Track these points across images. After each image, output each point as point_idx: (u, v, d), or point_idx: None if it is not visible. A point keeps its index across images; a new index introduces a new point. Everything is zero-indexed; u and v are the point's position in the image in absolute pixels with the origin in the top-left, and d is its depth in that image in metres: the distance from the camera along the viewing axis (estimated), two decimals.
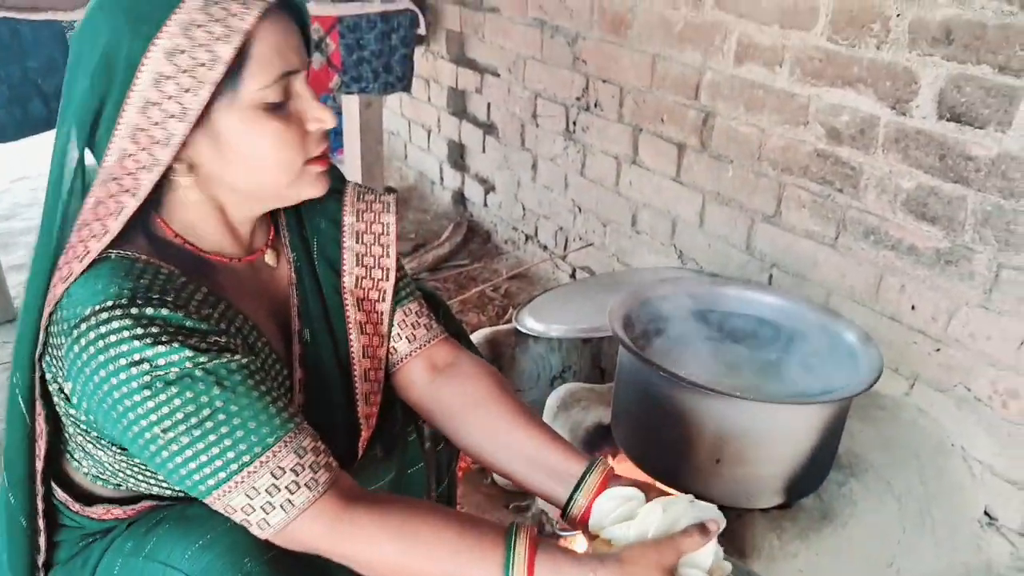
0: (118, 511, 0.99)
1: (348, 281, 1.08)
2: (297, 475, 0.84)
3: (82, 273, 0.84)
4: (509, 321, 2.30)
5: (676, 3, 2.09)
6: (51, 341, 0.86)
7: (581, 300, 2.07)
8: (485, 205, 3.28)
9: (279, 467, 0.83)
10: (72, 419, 0.90)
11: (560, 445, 1.05)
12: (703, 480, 1.36)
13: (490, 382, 1.12)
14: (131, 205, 0.85)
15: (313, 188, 0.96)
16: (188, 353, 0.81)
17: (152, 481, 0.94)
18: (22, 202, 3.78)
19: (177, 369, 0.81)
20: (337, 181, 1.08)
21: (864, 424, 1.62)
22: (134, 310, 0.81)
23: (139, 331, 0.80)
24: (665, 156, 2.25)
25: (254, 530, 0.84)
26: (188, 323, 0.83)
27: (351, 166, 3.32)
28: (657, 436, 1.40)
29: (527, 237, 3.05)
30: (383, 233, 1.10)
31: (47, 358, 0.88)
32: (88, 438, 0.91)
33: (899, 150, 1.63)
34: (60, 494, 0.99)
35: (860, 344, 1.41)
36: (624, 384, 1.50)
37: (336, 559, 0.87)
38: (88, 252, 0.84)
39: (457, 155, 3.40)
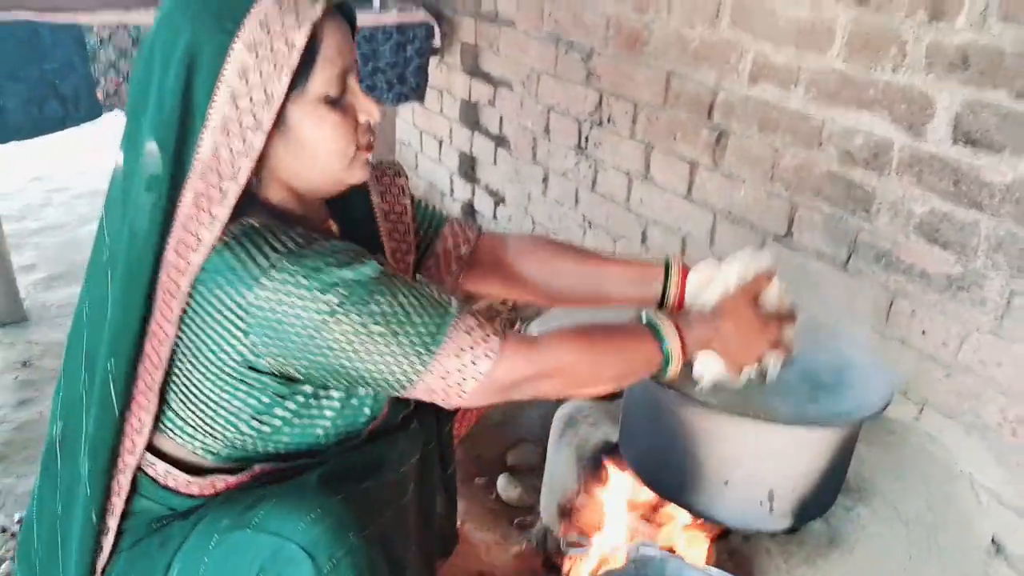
0: (229, 480, 1.04)
1: (388, 251, 1.22)
2: (483, 328, 0.99)
3: (208, 257, 0.91)
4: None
5: (692, 21, 2.09)
6: (204, 311, 0.92)
7: (590, 315, 2.06)
8: (495, 218, 3.28)
9: (468, 326, 0.98)
10: (215, 375, 0.96)
11: (632, 263, 1.34)
12: (711, 501, 1.35)
13: (546, 243, 1.38)
14: (234, 190, 0.92)
15: (362, 173, 1.05)
16: (371, 265, 0.94)
17: (279, 437, 1.03)
18: (35, 203, 3.80)
19: (367, 279, 0.93)
20: None
21: (873, 448, 1.61)
22: (310, 250, 0.92)
23: (324, 262, 0.91)
24: (677, 173, 2.25)
25: (467, 386, 0.97)
26: (354, 248, 0.96)
27: None
28: (666, 455, 1.40)
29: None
30: (403, 213, 1.26)
31: (188, 331, 0.94)
32: (227, 391, 0.97)
33: (913, 174, 1.63)
34: (160, 467, 1.03)
35: (871, 368, 1.40)
36: (633, 402, 1.50)
37: (538, 384, 1.03)
38: (201, 242, 0.91)
39: (468, 167, 3.41)
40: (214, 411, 0.99)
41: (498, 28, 2.99)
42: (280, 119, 0.94)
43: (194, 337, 0.94)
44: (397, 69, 3.09)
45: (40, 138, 2.60)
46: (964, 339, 1.60)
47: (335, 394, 1.03)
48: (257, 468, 1.05)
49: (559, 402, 1.80)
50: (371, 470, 1.06)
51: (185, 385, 0.98)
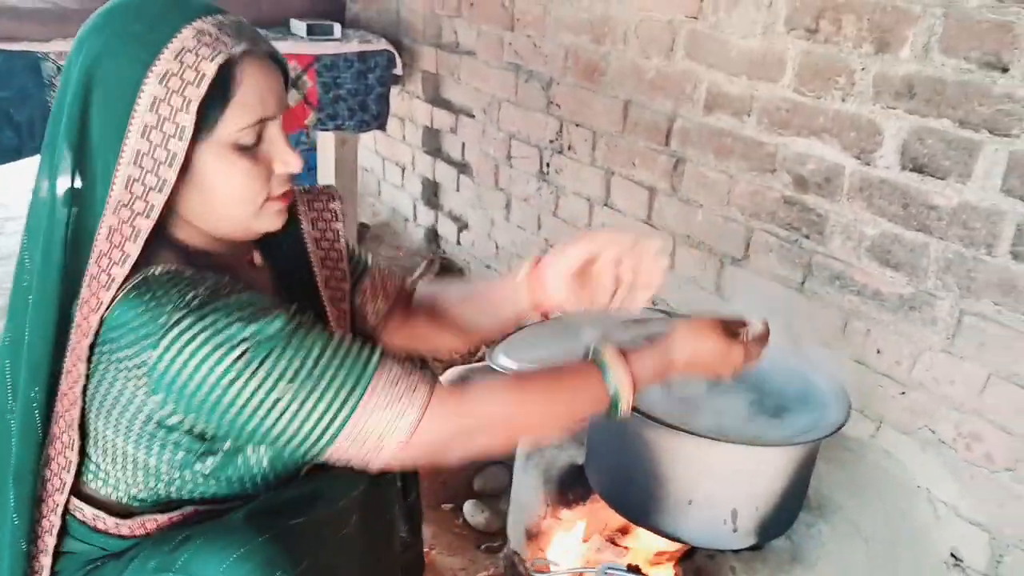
0: (160, 519, 1.00)
1: (320, 280, 1.17)
2: (409, 377, 0.92)
3: (115, 299, 0.88)
4: (482, 359, 2.31)
5: (648, 52, 2.15)
6: (110, 366, 0.89)
7: (553, 339, 2.08)
8: (459, 243, 3.30)
9: (393, 377, 0.91)
10: (125, 431, 0.92)
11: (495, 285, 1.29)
12: (675, 521, 1.37)
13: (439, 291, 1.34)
14: (146, 226, 0.89)
15: (272, 223, 1.01)
16: (282, 319, 0.88)
17: (205, 488, 0.99)
18: None
19: (276, 333, 0.87)
20: None
21: (832, 466, 1.64)
22: (219, 303, 0.87)
23: (232, 318, 0.86)
24: (636, 199, 2.30)
25: (388, 451, 0.91)
26: (264, 301, 0.91)
27: None
28: (630, 476, 1.41)
29: (500, 275, 3.07)
30: (336, 239, 1.21)
31: (97, 384, 0.90)
32: (143, 448, 0.93)
33: (864, 198, 1.68)
34: (88, 511, 1.00)
35: (827, 387, 1.44)
36: (597, 424, 1.51)
37: (470, 440, 0.96)
38: (112, 279, 0.88)
39: (431, 193, 3.42)
40: (132, 464, 0.95)
41: (459, 57, 3.02)
42: (187, 160, 0.90)
43: (102, 391, 0.91)
44: (359, 97, 3.11)
45: None
46: (917, 358, 1.65)
47: (262, 447, 0.98)
48: (190, 509, 1.01)
49: None
50: (304, 505, 1.00)
51: (101, 437, 0.95)
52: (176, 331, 0.84)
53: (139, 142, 0.87)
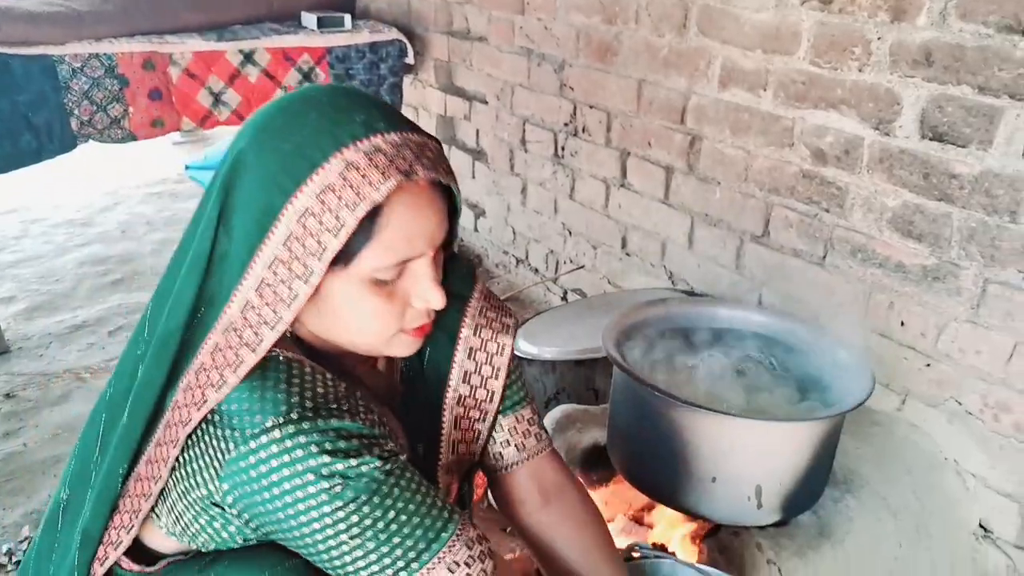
0: (183, 559, 0.97)
1: (451, 397, 1.05)
2: (469, 567, 0.86)
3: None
4: None
5: (660, 30, 2.13)
6: (205, 441, 0.85)
7: (574, 322, 2.08)
8: (476, 230, 3.30)
9: (454, 561, 0.85)
10: (185, 505, 0.89)
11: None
12: (699, 499, 1.36)
13: (589, 514, 1.15)
14: (250, 360, 0.84)
15: (401, 351, 0.94)
16: (376, 463, 0.82)
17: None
18: (9, 234, 3.77)
19: (367, 479, 0.81)
20: (465, 287, 1.06)
21: (858, 440, 1.63)
22: (320, 423, 0.81)
23: (328, 445, 0.80)
24: (653, 179, 2.28)
25: None
26: (365, 431, 0.84)
27: None
28: (653, 456, 1.41)
29: (518, 261, 3.07)
30: (497, 353, 1.07)
31: (187, 456, 0.87)
32: (191, 513, 0.90)
33: (884, 169, 1.66)
34: (125, 564, 0.97)
35: (851, 360, 1.43)
36: (619, 405, 1.51)
37: None
38: (206, 401, 0.84)
39: None
40: (188, 525, 0.92)
41: (470, 44, 3.01)
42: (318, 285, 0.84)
43: (185, 466, 0.88)
44: (371, 88, 3.11)
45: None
46: (942, 329, 1.63)
47: None
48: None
49: (546, 408, 1.80)
50: None
51: (168, 495, 0.92)
52: (266, 438, 0.80)
53: (264, 272, 0.82)
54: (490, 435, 1.10)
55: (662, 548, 1.37)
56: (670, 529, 1.52)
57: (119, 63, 2.65)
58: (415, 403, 1.05)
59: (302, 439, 0.80)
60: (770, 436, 1.32)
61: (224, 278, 0.84)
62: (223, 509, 0.87)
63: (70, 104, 2.60)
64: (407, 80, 3.31)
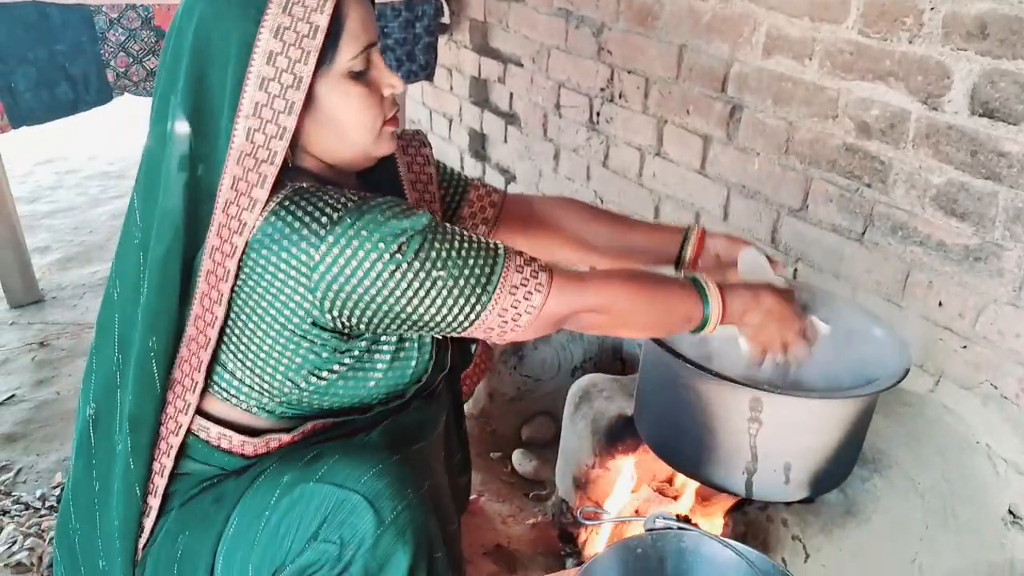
0: (283, 438, 1.07)
1: None
2: (531, 264, 1.03)
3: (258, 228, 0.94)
4: None
5: None
6: (265, 274, 0.95)
7: None
8: None
9: (518, 264, 1.02)
10: (276, 334, 0.99)
11: (657, 226, 1.50)
12: (726, 473, 1.36)
13: (582, 205, 1.47)
14: (271, 172, 0.95)
15: (389, 145, 1.08)
16: (427, 215, 0.98)
17: (334, 391, 1.06)
18: (45, 185, 3.82)
19: (427, 224, 0.96)
20: None
21: (889, 420, 1.61)
22: (367, 204, 0.95)
23: (387, 214, 0.94)
24: (690, 148, 2.24)
25: (521, 324, 1.02)
26: (403, 201, 0.98)
27: None
28: (681, 428, 1.40)
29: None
30: (429, 182, 1.30)
31: (247, 297, 0.97)
32: (289, 350, 1.00)
33: (930, 145, 1.61)
34: (214, 430, 1.05)
35: (887, 339, 1.40)
36: (649, 375, 1.50)
37: (584, 318, 1.08)
38: (244, 224, 0.94)
39: (478, 145, 3.40)
40: (273, 368, 1.01)
41: (507, 4, 2.97)
42: (309, 97, 0.96)
43: (253, 302, 0.97)
44: (406, 47, 3.08)
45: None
46: (981, 310, 1.59)
47: (386, 349, 1.07)
48: (309, 426, 1.08)
49: (572, 376, 1.80)
50: (419, 431, 1.12)
51: (244, 347, 1.01)
52: (339, 229, 0.92)
53: (257, 94, 0.93)
54: (456, 212, 1.37)
55: (686, 520, 1.37)
56: (695, 502, 1.52)
57: (156, 15, 2.64)
58: None
59: (365, 216, 0.93)
60: (802, 412, 1.31)
61: (219, 122, 0.94)
62: (320, 328, 0.98)
63: (107, 56, 2.60)
64: (441, 40, 3.28)
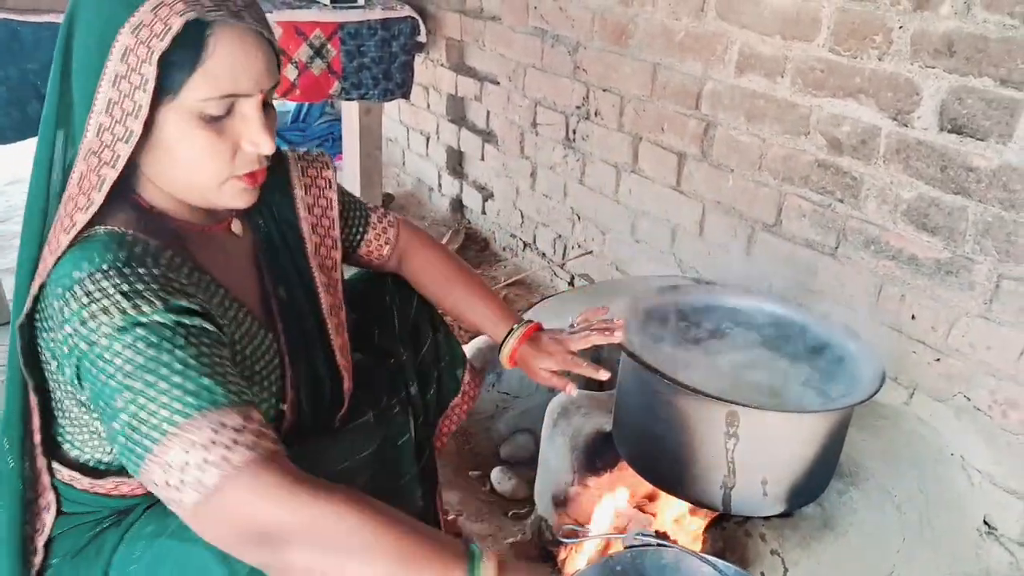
0: (131, 484, 0.99)
1: (310, 247, 1.18)
2: (242, 433, 0.81)
3: (71, 246, 0.88)
4: None
5: (678, 13, 2.10)
6: (44, 311, 0.88)
7: (580, 307, 2.07)
8: (483, 212, 3.28)
9: (221, 422, 0.80)
10: (63, 388, 0.92)
11: (499, 307, 1.40)
12: (705, 488, 1.36)
13: (445, 260, 1.42)
14: (111, 176, 0.89)
15: (236, 201, 0.99)
16: (172, 312, 0.85)
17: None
18: (18, 205, 3.76)
19: (158, 319, 0.83)
20: (277, 157, 1.16)
21: (864, 433, 1.62)
22: (127, 271, 0.85)
23: (128, 288, 0.84)
24: (665, 165, 2.26)
25: (186, 495, 0.79)
26: (175, 285, 0.88)
27: (350, 172, 3.32)
28: (659, 444, 1.40)
29: (525, 244, 3.05)
30: (328, 207, 1.23)
31: (40, 328, 0.90)
32: (79, 407, 0.93)
33: (900, 160, 1.64)
34: (66, 472, 0.99)
35: (861, 352, 1.41)
36: (626, 391, 1.50)
37: (282, 544, 0.78)
38: (74, 224, 0.89)
39: (456, 162, 3.40)
40: (85, 427, 0.95)
41: (483, 23, 2.99)
42: (153, 118, 0.89)
43: (42, 342, 0.91)
44: (383, 65, 3.08)
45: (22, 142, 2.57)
46: (953, 323, 1.61)
47: None
48: None
49: (552, 393, 1.80)
50: (307, 464, 0.89)
51: (58, 398, 0.95)
52: (79, 288, 0.83)
53: (110, 91, 0.87)
54: (358, 246, 1.34)
55: (665, 536, 1.36)
56: (674, 518, 1.52)
57: None
58: (282, 257, 1.16)
59: (107, 284, 0.83)
60: (779, 426, 1.32)
61: (78, 112, 0.89)
62: (64, 370, 0.88)
63: None
64: (418, 59, 3.28)
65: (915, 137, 1.60)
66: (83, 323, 0.83)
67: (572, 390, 1.34)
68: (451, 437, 1.58)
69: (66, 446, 0.99)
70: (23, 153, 3.33)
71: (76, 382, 0.87)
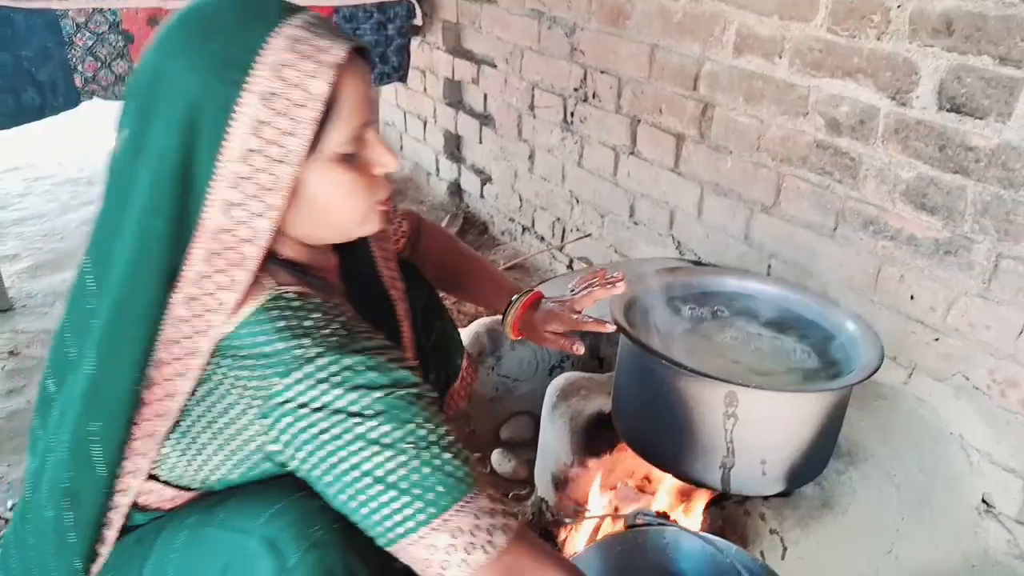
0: (190, 494, 0.98)
1: (386, 279, 1.20)
2: (493, 521, 0.84)
3: (239, 325, 0.85)
4: None
5: None
6: (225, 380, 0.86)
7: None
8: (482, 196, 3.28)
9: (479, 509, 0.84)
10: (222, 445, 0.90)
11: (499, 282, 1.43)
12: (704, 468, 1.36)
13: (446, 243, 1.47)
14: (253, 254, 0.85)
15: (375, 224, 0.98)
16: (408, 372, 0.86)
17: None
18: (14, 192, 3.75)
19: (408, 388, 0.84)
20: None
21: (863, 413, 1.63)
22: (356, 345, 0.84)
23: (369, 362, 0.83)
24: (663, 147, 2.26)
25: (453, 574, 0.83)
26: (390, 346, 0.88)
27: None
28: (658, 424, 1.41)
29: (524, 228, 3.05)
30: (392, 257, 1.26)
31: (204, 396, 0.87)
32: (229, 463, 0.92)
33: (899, 140, 1.63)
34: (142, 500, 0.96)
35: (860, 333, 1.42)
36: (625, 373, 1.50)
37: None
38: (222, 304, 0.85)
39: (453, 146, 3.39)
40: (210, 471, 0.94)
41: (480, 5, 2.97)
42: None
43: (209, 403, 0.88)
44: (379, 49, 3.07)
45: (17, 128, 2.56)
46: (952, 303, 1.61)
47: None
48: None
49: (550, 375, 1.80)
50: None
51: (190, 445, 0.92)
52: (312, 367, 0.82)
53: (238, 167, 0.82)
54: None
55: (665, 516, 1.37)
56: (673, 497, 1.52)
57: (123, 19, 2.60)
58: (366, 303, 1.12)
59: (347, 362, 0.82)
60: (777, 406, 1.32)
61: (190, 192, 0.83)
62: (265, 456, 0.89)
63: (74, 60, 2.56)
64: (415, 42, 3.27)
65: (914, 117, 1.60)
66: (322, 395, 0.82)
67: (580, 348, 1.33)
68: (453, 421, 1.58)
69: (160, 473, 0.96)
70: (17, 140, 3.31)
71: (274, 437, 0.86)
